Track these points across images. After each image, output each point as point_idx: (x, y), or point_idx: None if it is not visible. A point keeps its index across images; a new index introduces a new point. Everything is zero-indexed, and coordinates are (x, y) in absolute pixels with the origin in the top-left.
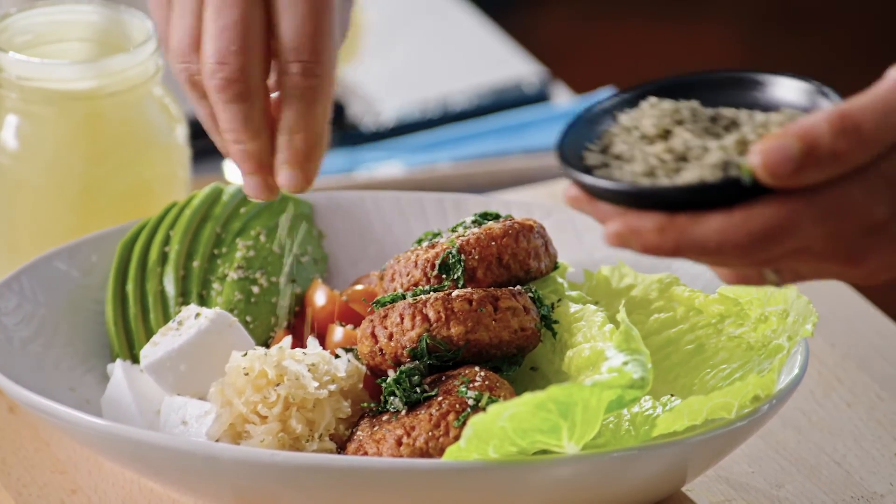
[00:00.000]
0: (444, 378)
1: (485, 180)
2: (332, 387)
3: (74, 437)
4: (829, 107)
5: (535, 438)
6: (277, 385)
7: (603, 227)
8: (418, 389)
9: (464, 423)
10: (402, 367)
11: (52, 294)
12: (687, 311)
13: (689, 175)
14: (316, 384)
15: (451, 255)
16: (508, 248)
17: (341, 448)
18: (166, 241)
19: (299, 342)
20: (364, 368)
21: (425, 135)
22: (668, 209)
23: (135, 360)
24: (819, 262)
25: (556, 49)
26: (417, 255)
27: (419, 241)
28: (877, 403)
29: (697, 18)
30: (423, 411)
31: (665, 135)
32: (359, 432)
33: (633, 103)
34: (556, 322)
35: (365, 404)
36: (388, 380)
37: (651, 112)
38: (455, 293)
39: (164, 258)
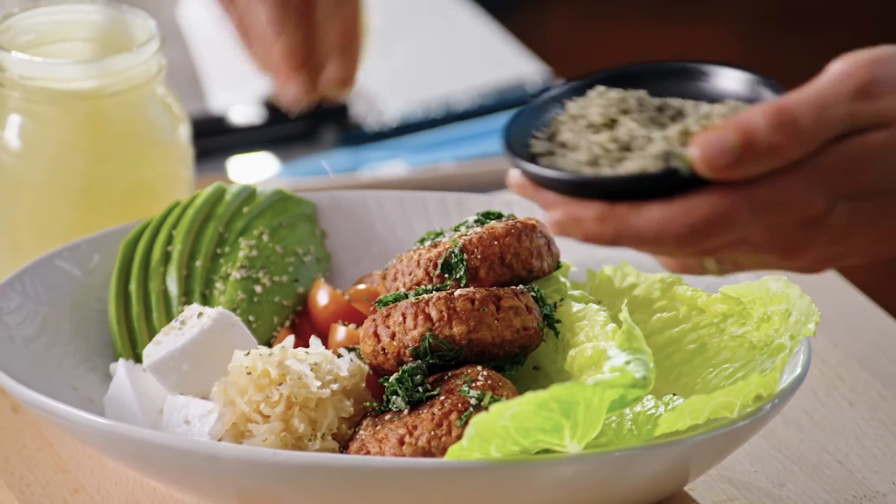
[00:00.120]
0: (446, 377)
1: (487, 180)
2: (335, 386)
3: (77, 436)
4: (772, 99)
5: (538, 438)
6: (280, 384)
7: (546, 215)
8: (421, 389)
9: (466, 423)
10: (405, 367)
11: (55, 293)
12: (689, 310)
13: (631, 165)
14: (318, 383)
15: (453, 255)
16: (511, 247)
17: (344, 447)
18: (169, 240)
19: (302, 341)
20: (366, 368)
21: (428, 134)
22: (609, 198)
23: (138, 359)
24: (758, 253)
25: (558, 48)
26: (420, 255)
27: (422, 241)
28: (879, 402)
29: (698, 18)
30: (425, 410)
31: (611, 124)
32: (361, 431)
33: (581, 92)
34: (558, 321)
35: (367, 403)
36: (391, 379)
37: (598, 101)
38: (457, 292)
39: (167, 257)
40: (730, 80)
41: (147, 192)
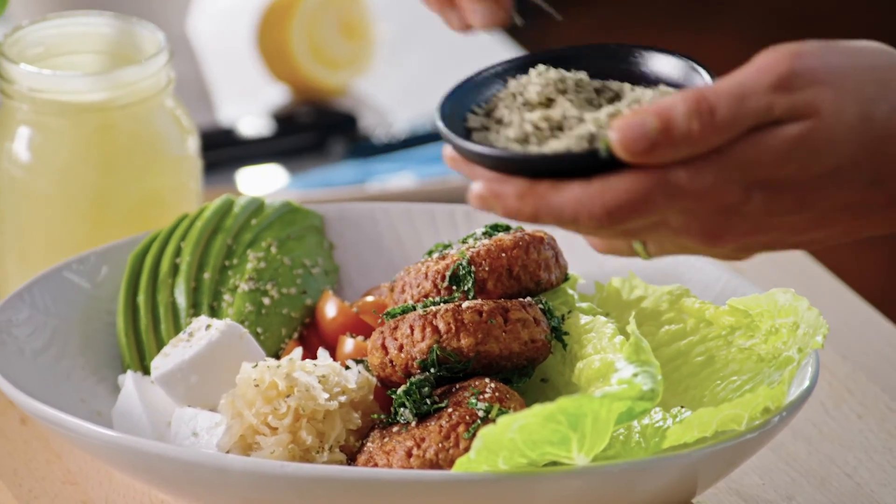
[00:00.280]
0: (454, 389)
1: None
2: (343, 398)
3: (85, 448)
4: (701, 84)
5: (545, 450)
6: (288, 396)
7: (469, 189)
8: (428, 401)
9: (474, 435)
10: (413, 379)
11: (64, 305)
12: (697, 322)
13: (557, 144)
14: (326, 396)
15: (461, 267)
16: (519, 259)
17: (351, 459)
18: (177, 252)
19: (310, 353)
20: (374, 380)
21: (437, 146)
22: (533, 176)
23: (146, 371)
24: (678, 237)
25: None
26: (428, 267)
27: (430, 253)
28: (888, 415)
29: (710, 27)
30: (433, 423)
31: (548, 103)
32: (369, 444)
33: (524, 70)
34: (566, 333)
35: (375, 416)
36: (399, 391)
37: (537, 80)
38: (465, 304)
39: (175, 270)
40: (668, 65)
41: (156, 205)
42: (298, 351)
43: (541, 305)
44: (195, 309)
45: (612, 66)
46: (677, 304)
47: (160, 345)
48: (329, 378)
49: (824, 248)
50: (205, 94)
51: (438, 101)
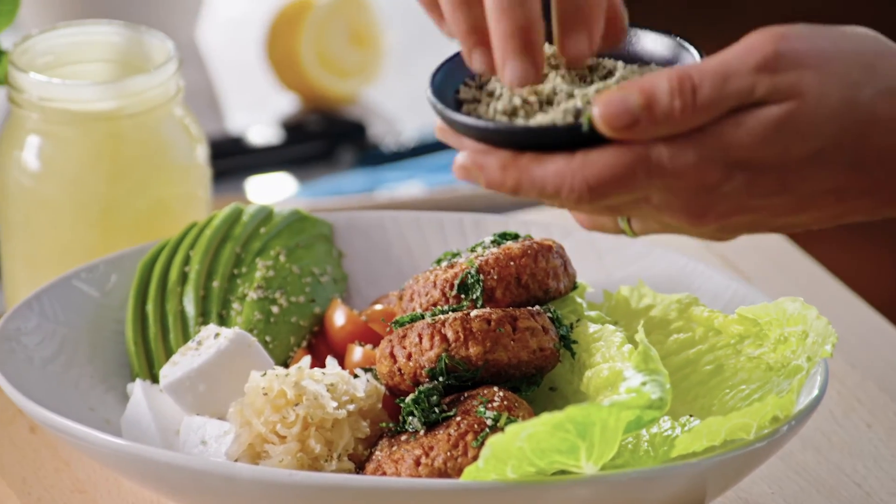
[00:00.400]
0: (462, 398)
1: (505, 200)
2: (351, 407)
3: (94, 456)
4: (691, 62)
5: (554, 459)
6: (296, 405)
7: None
8: (437, 409)
9: (482, 444)
10: (421, 387)
11: (73, 314)
12: (706, 331)
13: (544, 118)
14: (335, 404)
15: (469, 275)
16: (527, 268)
17: (360, 468)
18: (186, 260)
19: (318, 362)
20: (383, 388)
21: (446, 155)
22: (517, 149)
23: (155, 379)
24: (660, 215)
25: None
26: (436, 275)
27: (438, 261)
28: None
29: (720, 36)
30: (441, 431)
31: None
32: (377, 452)
33: None
34: (574, 342)
35: (384, 424)
36: (407, 400)
37: None
38: (474, 313)
39: (184, 278)
40: (660, 44)
41: (164, 213)
42: (307, 359)
43: (549, 314)
44: (204, 317)
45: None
46: (686, 313)
47: (169, 353)
48: (337, 386)
49: (817, 234)
50: (214, 102)
51: (431, 72)
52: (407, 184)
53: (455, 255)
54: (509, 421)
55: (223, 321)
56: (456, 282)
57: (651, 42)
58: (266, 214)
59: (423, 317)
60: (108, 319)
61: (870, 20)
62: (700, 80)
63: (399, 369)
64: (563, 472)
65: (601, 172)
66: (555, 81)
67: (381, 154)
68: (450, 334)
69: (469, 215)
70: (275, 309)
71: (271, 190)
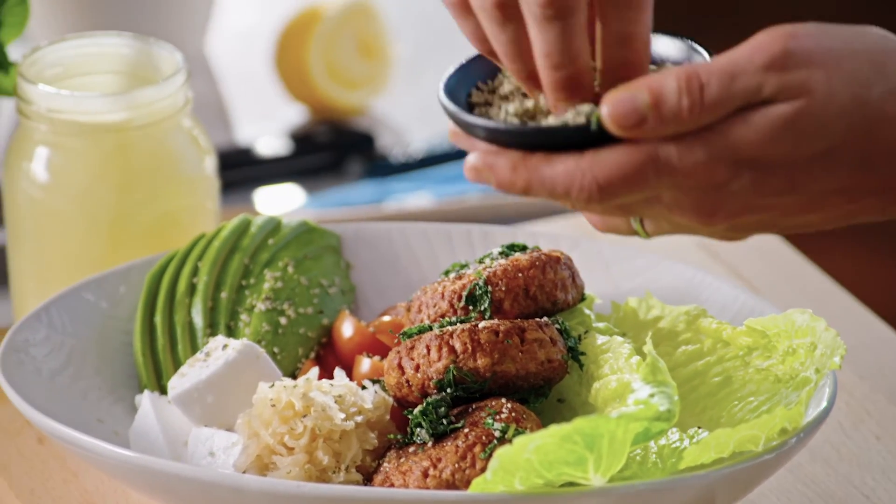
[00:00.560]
0: (470, 409)
1: (512, 212)
2: (359, 418)
3: (102, 468)
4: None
5: (562, 471)
6: (304, 416)
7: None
8: (445, 421)
9: (490, 455)
10: (429, 399)
11: (81, 325)
12: (714, 343)
13: (554, 120)
14: (342, 416)
15: (477, 287)
16: (535, 279)
17: (368, 480)
18: (195, 272)
19: (326, 373)
20: (391, 400)
21: (454, 166)
22: (527, 150)
23: (163, 391)
24: (671, 214)
25: None
26: (444, 287)
27: (446, 273)
28: None
29: (731, 32)
30: (449, 443)
31: None
32: (385, 464)
33: None
34: (582, 354)
35: (391, 436)
36: (415, 411)
37: None
38: (482, 325)
39: (192, 289)
40: (671, 47)
41: (173, 224)
42: (315, 371)
43: (557, 325)
44: (212, 329)
45: None
46: (694, 325)
47: (177, 364)
48: (345, 398)
49: (824, 242)
50: (223, 113)
51: (444, 75)
52: (415, 195)
53: (463, 266)
54: (517, 433)
55: (231, 332)
56: (464, 293)
57: (663, 45)
58: (274, 226)
59: (431, 328)
60: (117, 331)
61: (880, 20)
62: (707, 79)
63: (407, 381)
64: (571, 484)
65: (610, 171)
66: None
67: (389, 165)
68: (458, 346)
69: (477, 227)
70: (283, 320)
71: (279, 201)
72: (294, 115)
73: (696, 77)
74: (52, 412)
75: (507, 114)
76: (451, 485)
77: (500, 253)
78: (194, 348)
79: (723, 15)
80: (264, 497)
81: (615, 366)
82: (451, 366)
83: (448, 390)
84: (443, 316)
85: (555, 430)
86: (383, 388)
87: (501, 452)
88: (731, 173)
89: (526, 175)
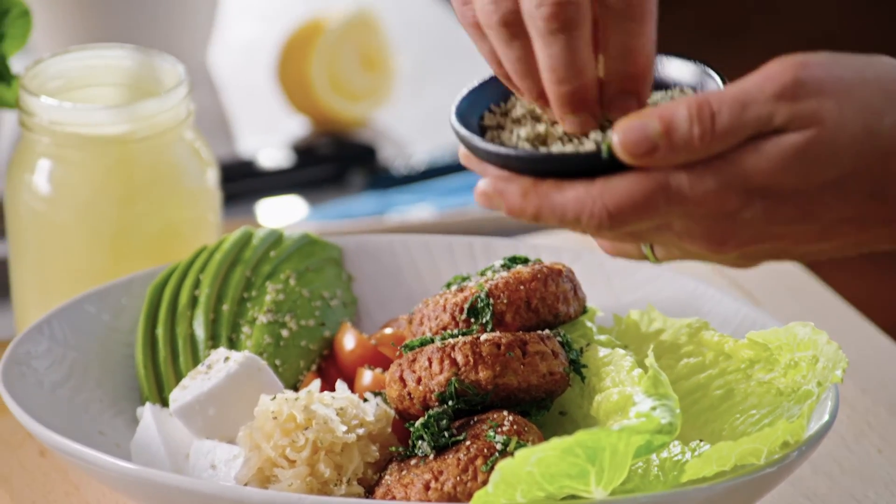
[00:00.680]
0: (472, 422)
1: (514, 224)
2: (361, 431)
3: (104, 480)
4: (714, 89)
5: (563, 483)
6: (306, 429)
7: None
8: (446, 434)
9: (492, 468)
10: (431, 412)
11: (83, 337)
12: (716, 356)
13: (568, 146)
14: (344, 428)
15: (479, 299)
16: (537, 292)
17: (369, 492)
18: (196, 284)
19: (328, 385)
20: (392, 412)
21: (456, 178)
22: (538, 176)
23: (164, 403)
24: (682, 241)
25: None
26: (446, 299)
27: (448, 285)
28: None
29: (736, 61)
30: (450, 456)
31: None
32: (387, 476)
33: None
34: (584, 366)
35: (393, 448)
36: (417, 424)
37: None
38: (483, 337)
39: (194, 302)
40: (683, 70)
41: (175, 237)
42: (317, 383)
43: (559, 338)
44: (214, 341)
45: None
46: (696, 337)
47: (179, 377)
48: (347, 410)
49: (832, 261)
50: (225, 125)
51: (456, 97)
52: (417, 207)
53: (465, 278)
54: (519, 445)
55: (233, 345)
56: (466, 306)
57: (676, 68)
58: (276, 238)
59: (432, 341)
60: (119, 343)
61: (881, 29)
62: (719, 108)
63: (409, 393)
64: (572, 496)
65: (621, 199)
66: None
67: (391, 177)
68: (459, 358)
69: (479, 239)
70: (284, 332)
71: (281, 213)
72: (296, 127)
73: (708, 105)
74: (54, 424)
75: (518, 138)
76: (452, 497)
77: (502, 265)
78: (196, 360)
79: (728, 33)
80: None
81: (617, 378)
82: (453, 378)
83: (450, 403)
84: (444, 328)
85: (556, 443)
86: (385, 401)
87: (503, 465)
88: (742, 202)
89: (536, 202)
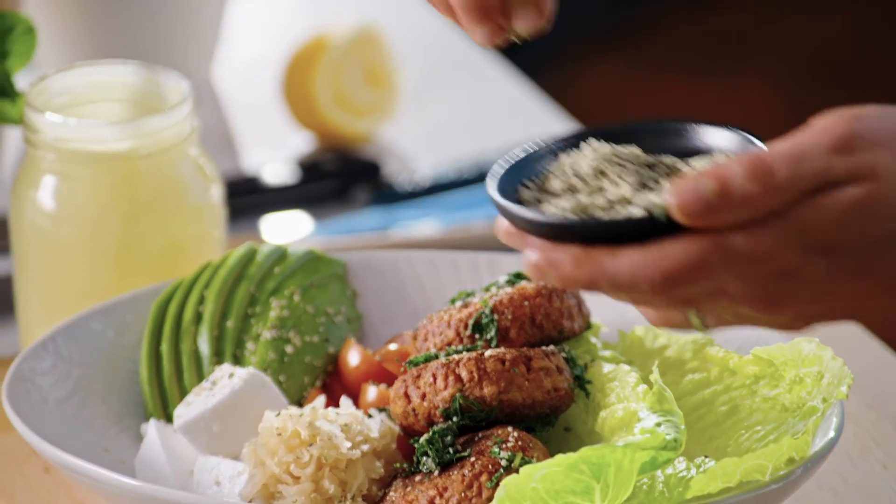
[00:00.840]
0: (476, 438)
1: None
2: (365, 447)
3: (108, 497)
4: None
5: (568, 500)
6: (310, 445)
7: (523, 258)
8: (451, 450)
9: (497, 484)
10: (435, 428)
11: (87, 354)
12: (721, 371)
13: (617, 213)
14: (349, 444)
15: (484, 315)
16: (541, 307)
17: None
18: (201, 300)
19: (332, 401)
20: (397, 428)
21: (460, 194)
22: (589, 243)
23: (169, 419)
24: (736, 305)
25: (596, 104)
26: (451, 315)
27: (453, 301)
28: None
29: (739, 73)
30: (455, 472)
31: (600, 177)
32: (391, 493)
33: (576, 145)
34: (589, 382)
35: (398, 465)
36: (421, 440)
37: (590, 154)
38: (488, 353)
39: (198, 318)
40: (721, 138)
41: (179, 253)
42: (321, 399)
43: (564, 354)
44: (218, 357)
45: (665, 141)
46: (701, 353)
47: (183, 393)
48: (352, 426)
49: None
50: (229, 141)
51: (492, 175)
52: (421, 223)
53: (469, 294)
54: (524, 461)
55: (237, 361)
56: (470, 321)
57: (710, 136)
58: (280, 254)
59: (437, 356)
60: (123, 360)
61: (887, 53)
62: (774, 163)
63: (413, 409)
64: None
65: (677, 261)
66: (616, 180)
67: (395, 193)
68: (464, 374)
69: (484, 255)
70: (289, 349)
71: (286, 229)
72: (301, 142)
73: (762, 161)
74: (59, 441)
75: (563, 210)
76: None
77: (507, 281)
78: (200, 377)
79: (725, 54)
80: None
81: (622, 394)
82: (458, 394)
83: (454, 419)
84: (449, 344)
85: (561, 459)
86: (389, 417)
87: (508, 481)
88: (801, 260)
89: (589, 269)
